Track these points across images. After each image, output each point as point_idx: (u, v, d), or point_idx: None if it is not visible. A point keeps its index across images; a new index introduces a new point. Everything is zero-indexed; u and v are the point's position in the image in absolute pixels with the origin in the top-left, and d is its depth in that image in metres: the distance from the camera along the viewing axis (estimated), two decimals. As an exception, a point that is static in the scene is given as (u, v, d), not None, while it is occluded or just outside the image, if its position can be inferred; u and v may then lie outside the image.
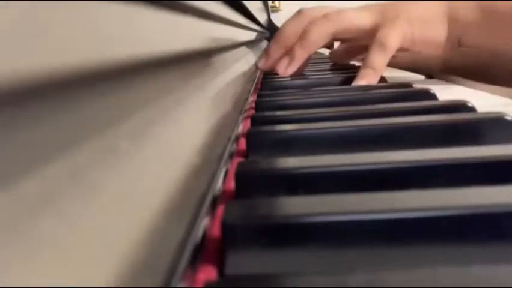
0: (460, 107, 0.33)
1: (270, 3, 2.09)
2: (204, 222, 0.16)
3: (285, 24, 0.60)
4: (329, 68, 0.76)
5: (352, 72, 0.64)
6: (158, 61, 0.19)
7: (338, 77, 0.60)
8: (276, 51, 0.59)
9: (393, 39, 0.54)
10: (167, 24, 0.22)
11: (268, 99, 0.45)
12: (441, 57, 0.61)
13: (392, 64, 0.66)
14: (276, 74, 0.65)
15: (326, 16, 0.57)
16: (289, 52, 0.57)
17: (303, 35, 0.56)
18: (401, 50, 0.57)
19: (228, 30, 0.50)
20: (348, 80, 0.55)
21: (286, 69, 0.57)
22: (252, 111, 0.40)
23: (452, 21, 0.55)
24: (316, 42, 0.57)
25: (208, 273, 0.15)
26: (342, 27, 0.56)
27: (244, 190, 0.21)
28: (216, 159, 0.21)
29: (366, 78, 0.54)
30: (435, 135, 0.28)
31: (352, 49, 0.70)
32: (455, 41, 0.56)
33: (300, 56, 0.56)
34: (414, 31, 0.55)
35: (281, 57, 0.58)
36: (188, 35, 0.27)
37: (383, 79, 0.59)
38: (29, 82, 0.09)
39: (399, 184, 0.20)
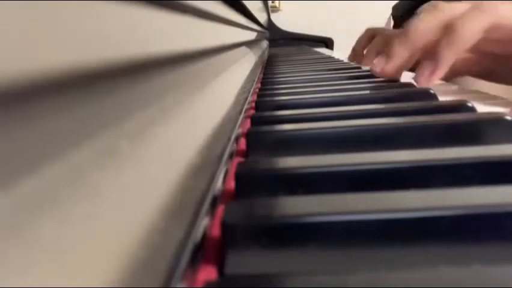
0: (460, 107, 0.33)
1: (270, 3, 2.09)
2: (204, 222, 0.16)
3: (417, 21, 0.45)
4: (332, 67, 0.76)
5: (355, 72, 0.64)
6: (158, 61, 0.19)
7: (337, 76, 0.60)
8: (400, 52, 0.45)
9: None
10: (167, 24, 0.22)
11: (268, 99, 0.45)
12: None
13: None
14: (276, 73, 0.65)
15: (477, 6, 0.42)
16: (430, 54, 0.43)
17: (449, 30, 0.41)
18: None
19: (228, 30, 0.50)
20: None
21: (429, 78, 0.43)
22: (252, 111, 0.40)
23: None
24: (469, 40, 0.42)
25: (208, 273, 0.15)
26: (497, 24, 0.42)
27: (244, 190, 0.21)
28: (216, 159, 0.21)
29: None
30: (435, 135, 0.28)
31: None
32: None
33: (447, 58, 0.42)
34: None
35: (405, 60, 0.45)
36: (188, 35, 0.27)
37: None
38: (29, 82, 0.09)
39: (399, 184, 0.20)
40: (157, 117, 0.16)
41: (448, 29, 0.42)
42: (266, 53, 1.27)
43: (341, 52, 1.15)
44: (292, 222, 0.16)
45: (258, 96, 0.49)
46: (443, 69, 0.42)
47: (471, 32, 0.41)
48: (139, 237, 0.10)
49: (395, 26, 1.27)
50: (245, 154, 0.28)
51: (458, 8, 0.43)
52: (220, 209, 0.18)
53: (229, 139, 0.25)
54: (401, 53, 0.45)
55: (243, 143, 0.30)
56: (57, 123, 0.10)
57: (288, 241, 0.16)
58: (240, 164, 0.23)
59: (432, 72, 0.42)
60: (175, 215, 0.13)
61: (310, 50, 1.47)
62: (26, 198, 0.08)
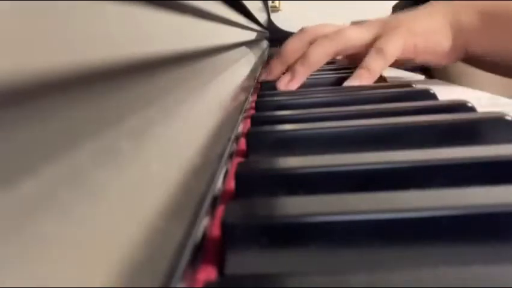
0: (460, 107, 0.33)
1: (270, 3, 2.08)
2: (204, 222, 0.16)
3: (287, 42, 0.61)
4: (326, 68, 0.76)
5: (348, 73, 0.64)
6: (158, 61, 0.19)
7: (335, 77, 0.60)
8: (277, 67, 0.61)
9: (392, 45, 0.54)
10: (167, 24, 0.22)
11: (268, 99, 0.45)
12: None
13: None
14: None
15: (326, 36, 0.57)
16: (290, 69, 0.57)
17: (304, 55, 0.57)
18: (404, 59, 0.57)
19: (228, 30, 0.50)
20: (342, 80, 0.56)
21: (287, 85, 0.57)
22: (252, 111, 0.40)
23: (457, 31, 0.55)
24: (317, 62, 0.58)
25: (208, 273, 0.15)
26: (342, 46, 0.57)
27: (244, 190, 0.21)
28: (216, 159, 0.21)
29: (359, 78, 0.54)
30: (435, 135, 0.28)
31: (353, 60, 0.69)
32: (461, 50, 0.56)
33: (301, 75, 0.57)
34: (417, 43, 0.55)
35: (281, 73, 0.59)
36: (188, 35, 0.27)
37: (382, 79, 0.59)
38: (29, 82, 0.09)
39: (399, 184, 0.20)
40: (157, 117, 0.16)
41: (304, 54, 0.57)
42: (266, 53, 1.27)
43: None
44: (292, 222, 0.16)
45: (258, 96, 0.49)
46: (297, 81, 0.56)
47: (317, 55, 0.56)
48: (139, 237, 0.10)
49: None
50: (245, 154, 0.28)
51: (320, 30, 0.59)
52: (220, 209, 0.18)
53: (229, 139, 0.25)
54: (276, 68, 0.60)
55: (243, 143, 0.30)
56: (58, 123, 0.10)
57: (288, 241, 0.16)
58: (240, 164, 0.23)
59: (289, 82, 0.56)
60: (175, 215, 0.13)
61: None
62: (26, 198, 0.08)
